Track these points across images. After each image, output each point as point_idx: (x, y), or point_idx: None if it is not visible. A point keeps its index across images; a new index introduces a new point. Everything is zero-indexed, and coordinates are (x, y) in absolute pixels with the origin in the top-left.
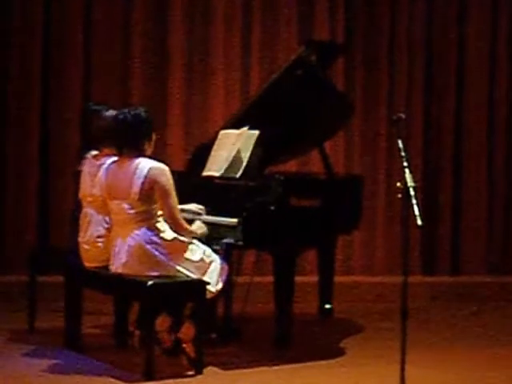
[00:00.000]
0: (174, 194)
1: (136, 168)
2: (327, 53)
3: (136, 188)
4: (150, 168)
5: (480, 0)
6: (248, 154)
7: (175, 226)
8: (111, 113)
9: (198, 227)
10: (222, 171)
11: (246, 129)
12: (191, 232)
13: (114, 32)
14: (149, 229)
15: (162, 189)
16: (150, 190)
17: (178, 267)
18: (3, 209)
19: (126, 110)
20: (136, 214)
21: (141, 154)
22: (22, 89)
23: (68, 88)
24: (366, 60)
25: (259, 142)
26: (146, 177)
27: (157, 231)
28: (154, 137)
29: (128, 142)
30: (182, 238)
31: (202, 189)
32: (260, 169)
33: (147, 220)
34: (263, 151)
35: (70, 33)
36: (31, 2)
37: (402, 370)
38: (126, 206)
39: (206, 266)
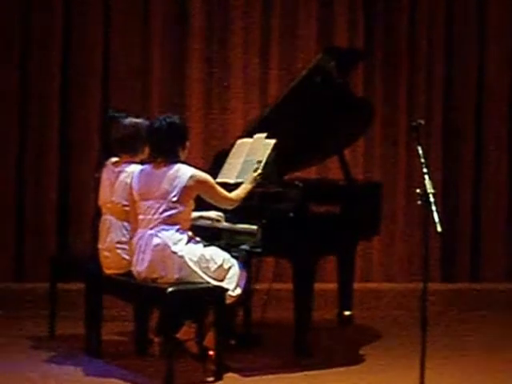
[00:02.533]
0: (218, 188)
1: (177, 173)
2: (346, 59)
3: (175, 191)
4: (193, 175)
5: (500, 0)
6: (264, 162)
7: (229, 206)
8: (130, 120)
9: (241, 192)
10: (237, 178)
11: (262, 136)
12: (240, 197)
13: (133, 41)
14: (177, 231)
15: (209, 191)
16: (189, 194)
17: (199, 272)
18: (23, 216)
19: (161, 118)
20: (168, 216)
21: (176, 160)
22: (42, 96)
23: (88, 94)
24: (385, 65)
25: (276, 149)
26: (188, 183)
27: (184, 235)
28: (188, 143)
29: (164, 150)
30: (205, 249)
31: None
32: (278, 175)
33: (178, 223)
34: (280, 158)
35: (89, 39)
36: (51, 7)
37: (422, 377)
38: (159, 205)
39: (225, 271)
